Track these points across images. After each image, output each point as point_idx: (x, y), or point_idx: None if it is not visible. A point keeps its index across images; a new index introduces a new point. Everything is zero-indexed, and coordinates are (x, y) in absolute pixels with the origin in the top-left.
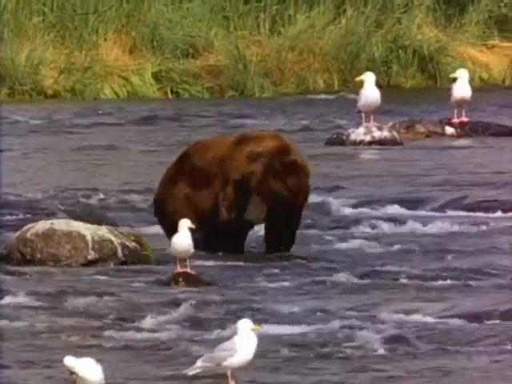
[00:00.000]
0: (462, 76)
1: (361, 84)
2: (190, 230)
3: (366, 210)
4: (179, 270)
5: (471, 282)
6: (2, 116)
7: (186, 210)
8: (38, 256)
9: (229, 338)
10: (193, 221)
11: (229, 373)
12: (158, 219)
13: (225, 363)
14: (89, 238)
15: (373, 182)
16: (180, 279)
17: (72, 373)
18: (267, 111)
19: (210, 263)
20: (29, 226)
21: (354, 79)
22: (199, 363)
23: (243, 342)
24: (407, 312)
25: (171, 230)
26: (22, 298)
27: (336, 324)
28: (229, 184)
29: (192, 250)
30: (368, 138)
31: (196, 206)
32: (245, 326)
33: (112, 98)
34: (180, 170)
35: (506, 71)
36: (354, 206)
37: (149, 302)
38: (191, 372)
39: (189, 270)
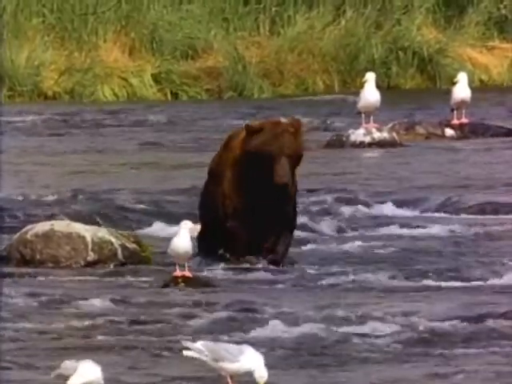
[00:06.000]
0: (462, 78)
1: (362, 85)
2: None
3: (365, 212)
4: (178, 272)
5: (472, 284)
6: (2, 117)
7: (204, 206)
8: (38, 257)
9: (237, 342)
10: (207, 218)
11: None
12: None
13: (223, 365)
14: (88, 239)
15: (372, 183)
16: (179, 281)
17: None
18: (266, 112)
19: (210, 264)
20: (29, 227)
21: (354, 80)
22: (200, 346)
23: (249, 359)
24: (408, 313)
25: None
26: (21, 299)
27: (338, 326)
28: None
29: (191, 253)
30: (368, 140)
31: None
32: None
33: (112, 99)
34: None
35: (506, 73)
36: (353, 208)
37: (148, 303)
38: (188, 352)
39: (187, 273)
